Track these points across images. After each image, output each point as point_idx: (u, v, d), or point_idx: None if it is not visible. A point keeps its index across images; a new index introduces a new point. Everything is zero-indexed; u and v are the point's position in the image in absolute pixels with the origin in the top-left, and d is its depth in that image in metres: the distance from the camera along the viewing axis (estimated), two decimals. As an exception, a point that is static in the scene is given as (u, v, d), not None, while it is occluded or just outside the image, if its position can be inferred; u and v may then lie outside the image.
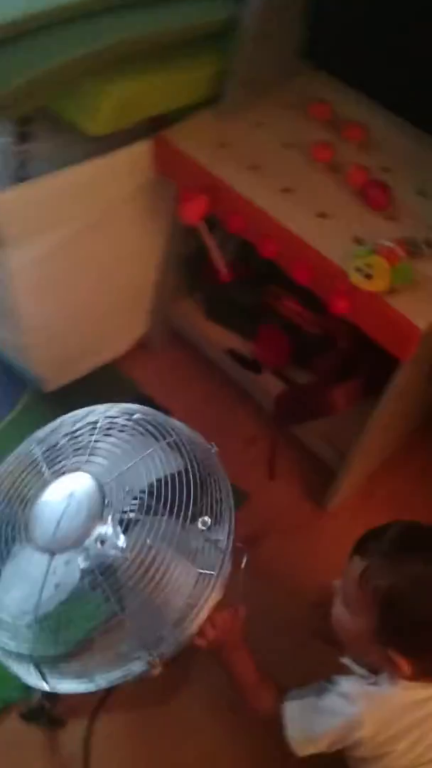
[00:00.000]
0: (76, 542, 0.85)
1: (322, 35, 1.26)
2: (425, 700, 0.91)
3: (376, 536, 0.92)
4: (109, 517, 0.87)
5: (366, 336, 1.07)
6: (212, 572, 0.87)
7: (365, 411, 1.20)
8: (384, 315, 1.02)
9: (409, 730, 0.90)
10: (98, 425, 0.95)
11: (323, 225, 1.10)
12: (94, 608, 0.88)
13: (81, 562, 0.84)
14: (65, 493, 0.89)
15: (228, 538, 0.90)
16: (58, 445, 0.96)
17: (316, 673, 0.99)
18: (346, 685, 0.94)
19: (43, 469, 0.94)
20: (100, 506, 0.87)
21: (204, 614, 0.86)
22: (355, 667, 0.97)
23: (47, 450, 0.96)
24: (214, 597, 0.86)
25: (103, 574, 0.85)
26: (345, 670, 0.98)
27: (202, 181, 1.14)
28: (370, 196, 1.12)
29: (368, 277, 1.00)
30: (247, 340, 1.46)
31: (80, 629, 0.88)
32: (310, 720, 0.95)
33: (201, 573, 0.87)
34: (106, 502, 0.87)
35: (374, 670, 0.95)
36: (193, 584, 0.86)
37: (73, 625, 0.88)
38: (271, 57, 1.22)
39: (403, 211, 1.13)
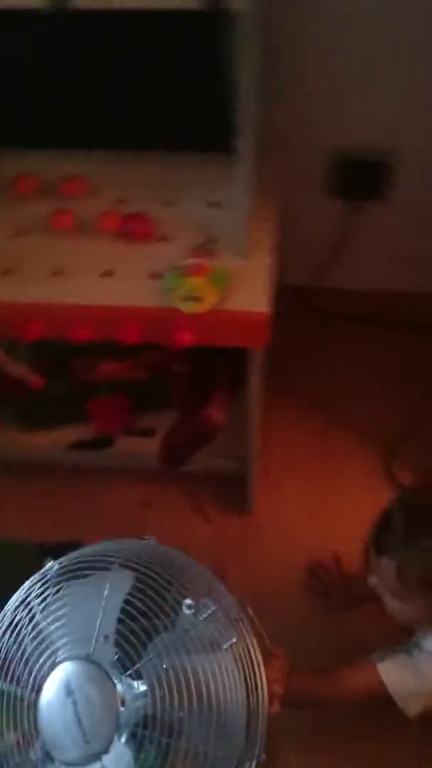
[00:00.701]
0: (110, 730, 0.77)
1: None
2: None
3: (386, 530, 0.95)
4: (120, 679, 0.80)
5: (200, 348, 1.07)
6: (233, 639, 0.83)
7: (237, 409, 1.22)
8: (229, 321, 1.03)
9: None
10: (31, 605, 0.86)
11: (116, 281, 1.07)
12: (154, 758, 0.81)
13: (121, 739, 0.77)
14: (61, 695, 0.78)
15: (222, 599, 0.87)
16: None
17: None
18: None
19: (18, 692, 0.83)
20: (105, 678, 0.79)
21: (264, 679, 0.83)
22: None
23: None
24: (260, 659, 0.84)
25: (147, 727, 0.78)
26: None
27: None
28: (132, 231, 1.11)
29: (198, 299, 1.00)
30: (83, 425, 1.39)
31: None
32: (411, 677, 0.99)
33: (227, 648, 0.83)
34: (103, 669, 0.79)
35: None
36: (233, 663, 0.83)
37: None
38: None
39: (165, 226, 1.13)
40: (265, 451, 1.35)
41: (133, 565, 0.85)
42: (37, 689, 0.81)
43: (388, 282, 1.55)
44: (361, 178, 1.37)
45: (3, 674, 0.83)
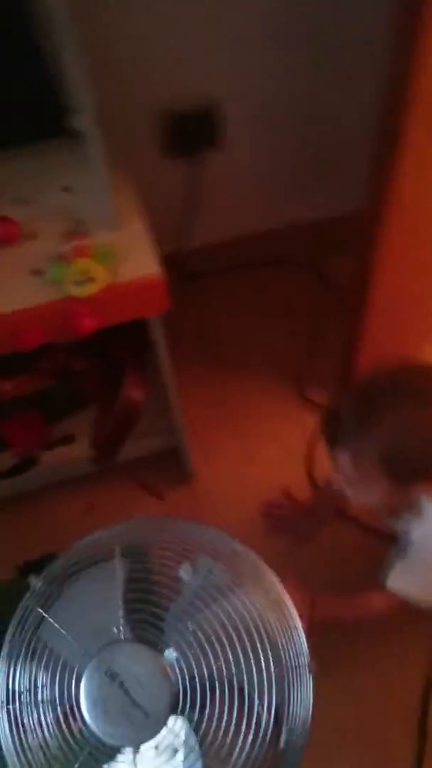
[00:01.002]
0: (166, 698, 0.78)
1: None
2: None
3: (335, 422, 0.98)
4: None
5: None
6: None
7: (151, 384, 1.23)
8: (127, 294, 1.02)
9: None
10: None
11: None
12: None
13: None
14: (106, 685, 0.78)
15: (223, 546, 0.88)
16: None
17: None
18: (417, 530, 1.02)
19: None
20: (146, 650, 0.80)
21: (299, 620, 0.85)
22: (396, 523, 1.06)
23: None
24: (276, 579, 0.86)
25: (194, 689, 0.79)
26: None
27: None
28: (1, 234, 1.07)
29: (91, 280, 0.99)
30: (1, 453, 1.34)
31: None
32: (415, 575, 1.03)
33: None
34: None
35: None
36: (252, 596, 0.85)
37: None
38: None
39: (29, 223, 1.09)
40: (188, 416, 1.36)
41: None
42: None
43: (248, 225, 1.60)
44: (194, 130, 1.39)
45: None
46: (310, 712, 0.81)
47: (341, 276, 1.56)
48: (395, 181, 1.06)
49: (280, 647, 0.82)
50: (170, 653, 0.82)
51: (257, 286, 1.63)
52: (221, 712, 0.80)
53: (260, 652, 0.80)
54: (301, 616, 0.93)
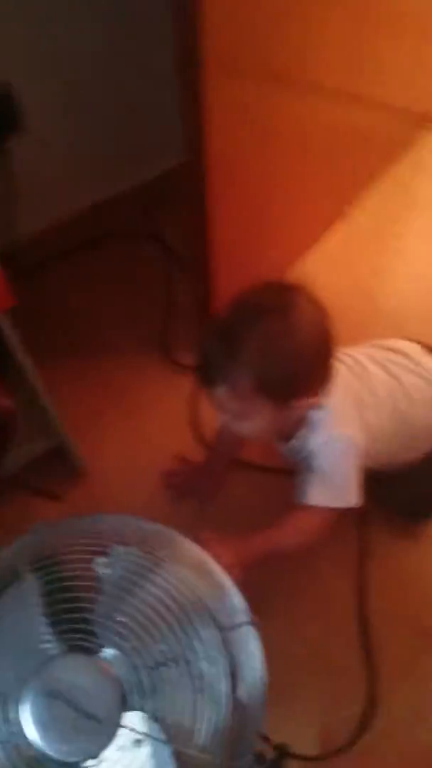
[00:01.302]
0: (117, 695, 0.75)
1: None
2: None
3: (205, 362, 0.96)
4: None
5: None
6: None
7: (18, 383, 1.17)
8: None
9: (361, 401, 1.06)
10: None
11: None
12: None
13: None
14: (48, 708, 0.73)
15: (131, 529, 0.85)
16: None
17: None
18: (314, 441, 1.03)
19: None
20: (82, 657, 0.76)
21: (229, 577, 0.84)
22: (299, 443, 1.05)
23: None
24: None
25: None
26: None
27: None
28: None
29: None
30: None
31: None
32: (328, 481, 1.03)
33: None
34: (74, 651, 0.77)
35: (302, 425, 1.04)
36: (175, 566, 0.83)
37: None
38: None
39: None
40: (65, 409, 1.30)
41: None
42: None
43: (73, 204, 1.55)
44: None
45: None
46: (264, 666, 0.81)
47: (178, 234, 1.55)
48: (205, 131, 1.05)
49: (216, 611, 0.81)
50: (107, 652, 0.80)
51: (99, 263, 1.58)
52: (174, 692, 0.78)
53: (197, 621, 0.80)
54: (231, 567, 0.92)
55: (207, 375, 0.97)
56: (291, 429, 1.05)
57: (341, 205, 1.61)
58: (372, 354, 1.13)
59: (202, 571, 0.83)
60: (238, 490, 1.30)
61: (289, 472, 1.26)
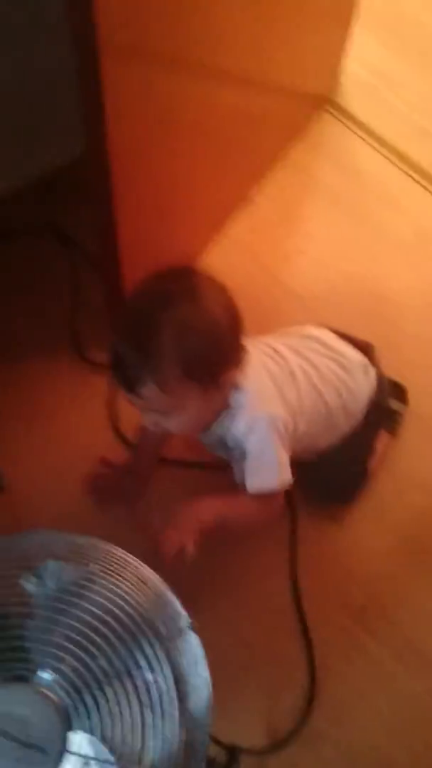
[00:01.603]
0: (57, 720, 0.72)
1: None
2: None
3: (121, 363, 0.92)
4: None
5: None
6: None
7: None
8: None
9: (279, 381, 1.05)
10: None
11: None
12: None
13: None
14: None
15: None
16: None
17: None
18: (237, 428, 1.01)
19: None
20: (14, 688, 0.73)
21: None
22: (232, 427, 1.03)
23: None
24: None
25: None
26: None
27: None
28: None
29: None
30: None
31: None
32: (262, 467, 1.03)
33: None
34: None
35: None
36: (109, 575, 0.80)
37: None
38: None
39: None
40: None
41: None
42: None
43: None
44: None
45: None
46: (206, 669, 0.79)
47: (80, 228, 1.50)
48: (106, 117, 1.00)
49: (155, 619, 0.78)
50: (44, 675, 0.76)
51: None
52: (119, 709, 0.76)
53: (137, 633, 0.77)
54: (191, 532, 0.96)
55: (126, 378, 0.93)
56: (220, 413, 1.03)
57: (244, 190, 1.60)
58: (285, 341, 1.12)
59: (138, 580, 0.81)
60: (163, 488, 1.27)
61: (213, 465, 1.25)
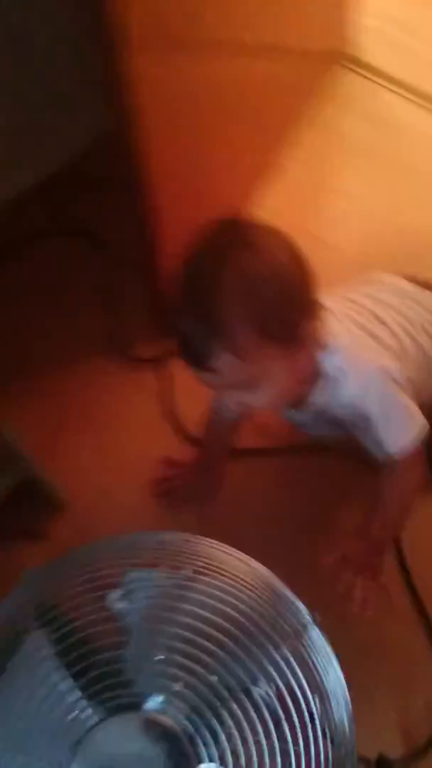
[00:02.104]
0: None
1: None
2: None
3: (186, 338, 0.80)
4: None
5: None
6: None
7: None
8: None
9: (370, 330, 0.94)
10: None
11: None
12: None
13: None
14: None
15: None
16: None
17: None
18: (348, 390, 0.89)
19: None
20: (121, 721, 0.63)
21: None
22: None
23: None
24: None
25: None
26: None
27: None
28: None
29: None
30: None
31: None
32: (394, 418, 0.90)
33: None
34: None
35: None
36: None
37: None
38: None
39: None
40: (30, 437, 1.11)
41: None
42: None
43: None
44: None
45: None
46: (339, 669, 0.67)
47: (104, 221, 1.39)
48: (131, 104, 0.93)
49: (272, 620, 0.66)
50: (153, 700, 0.65)
51: (25, 270, 1.39)
52: (244, 730, 0.64)
53: (255, 635, 0.65)
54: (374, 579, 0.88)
55: (197, 354, 0.80)
56: (306, 388, 0.91)
57: (273, 157, 1.50)
58: (358, 291, 1.01)
59: (244, 576, 0.69)
60: (239, 482, 1.15)
61: (292, 449, 1.14)
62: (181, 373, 1.21)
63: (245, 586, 0.67)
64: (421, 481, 0.96)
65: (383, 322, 0.95)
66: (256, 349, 0.79)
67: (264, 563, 0.74)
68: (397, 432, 0.90)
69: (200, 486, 1.14)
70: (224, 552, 0.71)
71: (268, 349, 0.80)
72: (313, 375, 0.89)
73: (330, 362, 0.89)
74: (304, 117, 1.55)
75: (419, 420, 0.90)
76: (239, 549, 0.76)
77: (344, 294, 0.98)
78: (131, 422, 1.25)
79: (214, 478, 1.14)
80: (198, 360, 0.81)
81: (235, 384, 0.84)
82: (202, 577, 0.68)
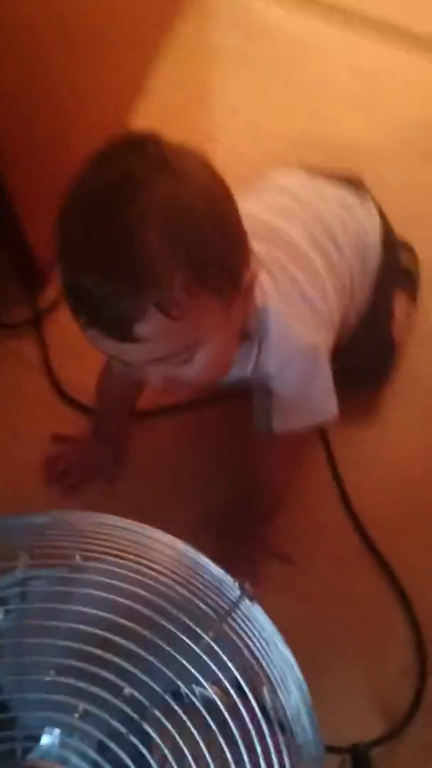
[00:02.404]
0: None
1: None
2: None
3: (93, 304, 0.60)
4: None
5: None
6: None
7: None
8: None
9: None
10: None
11: None
12: None
13: None
14: None
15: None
16: None
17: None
18: (272, 363, 0.76)
19: None
20: None
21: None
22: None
23: None
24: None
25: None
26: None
27: None
28: None
29: None
30: None
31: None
32: (309, 402, 0.80)
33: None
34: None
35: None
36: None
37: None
38: None
39: None
40: None
41: None
42: None
43: None
44: None
45: None
46: (287, 649, 0.51)
47: None
48: None
49: (189, 601, 0.50)
50: (45, 738, 0.47)
51: None
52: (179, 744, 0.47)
53: (166, 623, 0.48)
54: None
55: (110, 320, 0.60)
56: (248, 331, 0.74)
57: (142, 80, 1.32)
58: (264, 208, 0.82)
59: (149, 555, 0.52)
60: (147, 447, 0.98)
61: (199, 401, 0.99)
62: (63, 330, 1.04)
63: (151, 568, 0.50)
64: (295, 460, 0.91)
65: (310, 264, 0.79)
66: (189, 299, 0.60)
67: (185, 537, 0.58)
68: (290, 416, 0.79)
69: (101, 458, 0.96)
70: (121, 527, 0.54)
71: (205, 300, 0.61)
72: (241, 337, 0.72)
73: (261, 324, 0.73)
74: (173, 33, 1.37)
75: (323, 411, 0.81)
76: (154, 524, 0.59)
77: (254, 213, 0.77)
78: (14, 399, 1.05)
79: (115, 447, 0.96)
80: (114, 329, 0.60)
81: (162, 356, 0.64)
82: (93, 564, 0.51)
